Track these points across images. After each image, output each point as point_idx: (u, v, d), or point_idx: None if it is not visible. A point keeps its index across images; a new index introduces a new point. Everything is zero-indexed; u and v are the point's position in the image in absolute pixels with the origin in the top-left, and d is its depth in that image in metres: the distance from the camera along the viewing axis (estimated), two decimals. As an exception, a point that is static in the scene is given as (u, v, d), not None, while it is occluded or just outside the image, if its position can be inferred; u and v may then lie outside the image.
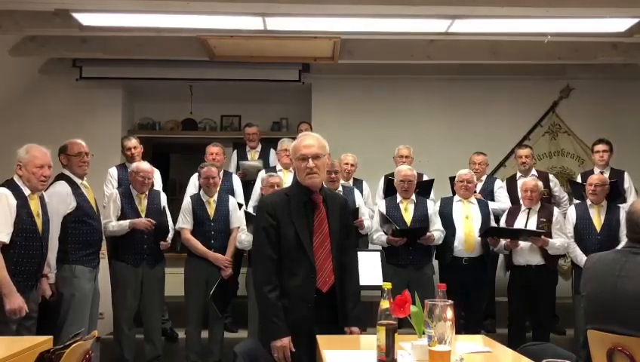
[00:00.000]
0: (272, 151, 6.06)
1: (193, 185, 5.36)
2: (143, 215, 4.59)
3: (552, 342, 4.20)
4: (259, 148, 6.08)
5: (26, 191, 3.54)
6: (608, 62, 6.14)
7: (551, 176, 5.69)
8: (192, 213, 4.77)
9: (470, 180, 4.99)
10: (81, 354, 2.41)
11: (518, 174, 5.61)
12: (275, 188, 4.66)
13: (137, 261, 4.55)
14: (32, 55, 6.02)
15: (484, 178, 5.54)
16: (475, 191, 5.23)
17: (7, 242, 3.39)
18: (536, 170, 5.66)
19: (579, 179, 5.52)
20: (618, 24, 4.94)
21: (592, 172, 5.44)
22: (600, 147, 5.42)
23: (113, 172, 5.21)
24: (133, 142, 5.24)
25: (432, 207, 4.96)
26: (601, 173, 5.32)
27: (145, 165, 4.70)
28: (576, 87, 6.83)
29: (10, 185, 3.53)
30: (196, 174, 5.39)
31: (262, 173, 5.24)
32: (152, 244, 4.61)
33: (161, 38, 5.67)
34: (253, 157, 6.00)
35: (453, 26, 4.89)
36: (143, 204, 4.63)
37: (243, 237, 4.65)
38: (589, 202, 4.94)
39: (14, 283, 3.39)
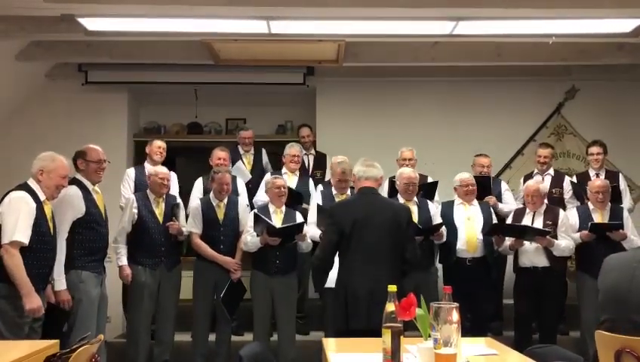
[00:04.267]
0: (264, 152, 6.04)
1: (198, 189, 5.36)
2: (160, 219, 4.64)
3: (558, 344, 4.17)
4: (252, 152, 5.99)
5: (42, 197, 3.59)
6: (614, 63, 6.12)
7: (567, 178, 5.61)
8: (202, 217, 4.78)
9: (473, 183, 4.99)
10: (87, 358, 2.41)
11: (535, 171, 5.58)
12: (282, 189, 4.69)
13: (155, 264, 4.58)
14: (38, 60, 6.05)
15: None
16: (491, 196, 5.22)
17: (27, 244, 3.44)
18: (554, 170, 5.64)
19: (574, 180, 5.53)
20: (623, 25, 4.92)
21: (587, 174, 5.45)
22: (594, 149, 5.44)
23: (131, 173, 5.23)
24: (163, 143, 5.33)
25: (434, 208, 4.96)
26: (597, 174, 5.32)
27: (163, 168, 4.77)
28: (582, 89, 6.80)
29: (27, 189, 3.56)
30: (201, 178, 5.40)
31: (267, 176, 5.24)
32: (169, 247, 4.65)
33: (166, 42, 5.69)
34: (248, 161, 5.91)
35: (457, 27, 4.88)
36: (160, 208, 4.67)
37: (248, 238, 4.65)
38: (591, 206, 4.91)
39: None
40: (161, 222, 4.64)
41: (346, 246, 3.42)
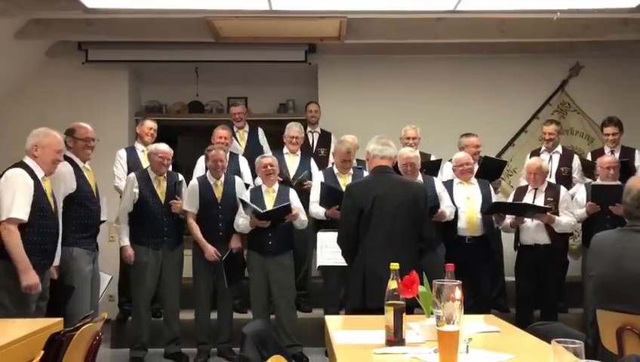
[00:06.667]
0: (261, 131, 6.00)
1: (200, 167, 5.34)
2: (162, 198, 4.63)
3: (559, 321, 4.19)
4: (247, 128, 5.95)
5: (40, 174, 3.57)
6: (619, 40, 6.05)
7: (576, 157, 5.56)
8: (199, 197, 4.76)
9: (469, 162, 4.96)
10: (91, 336, 2.43)
11: (542, 148, 5.55)
12: (269, 168, 4.67)
13: (158, 244, 4.59)
14: (37, 38, 5.99)
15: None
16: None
17: (26, 220, 3.42)
18: (562, 147, 5.59)
19: (589, 159, 5.47)
20: (629, 0, 4.86)
21: (602, 151, 5.37)
22: (609, 130, 5.32)
23: (122, 154, 5.21)
24: (154, 123, 5.28)
25: (440, 184, 4.94)
26: (612, 152, 5.26)
27: (164, 146, 4.71)
28: (586, 65, 6.74)
29: (24, 166, 3.54)
30: (203, 157, 5.37)
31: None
32: (172, 226, 4.65)
33: (167, 20, 5.63)
34: (241, 137, 5.89)
35: (460, 3, 4.83)
36: (162, 186, 4.65)
37: (240, 221, 4.65)
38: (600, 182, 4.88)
39: (35, 261, 3.43)
40: (163, 201, 4.63)
41: (365, 224, 3.39)
